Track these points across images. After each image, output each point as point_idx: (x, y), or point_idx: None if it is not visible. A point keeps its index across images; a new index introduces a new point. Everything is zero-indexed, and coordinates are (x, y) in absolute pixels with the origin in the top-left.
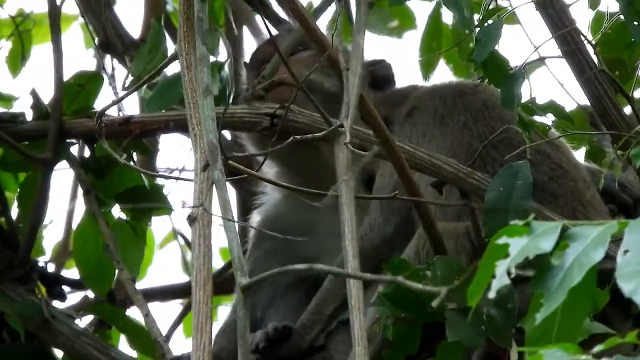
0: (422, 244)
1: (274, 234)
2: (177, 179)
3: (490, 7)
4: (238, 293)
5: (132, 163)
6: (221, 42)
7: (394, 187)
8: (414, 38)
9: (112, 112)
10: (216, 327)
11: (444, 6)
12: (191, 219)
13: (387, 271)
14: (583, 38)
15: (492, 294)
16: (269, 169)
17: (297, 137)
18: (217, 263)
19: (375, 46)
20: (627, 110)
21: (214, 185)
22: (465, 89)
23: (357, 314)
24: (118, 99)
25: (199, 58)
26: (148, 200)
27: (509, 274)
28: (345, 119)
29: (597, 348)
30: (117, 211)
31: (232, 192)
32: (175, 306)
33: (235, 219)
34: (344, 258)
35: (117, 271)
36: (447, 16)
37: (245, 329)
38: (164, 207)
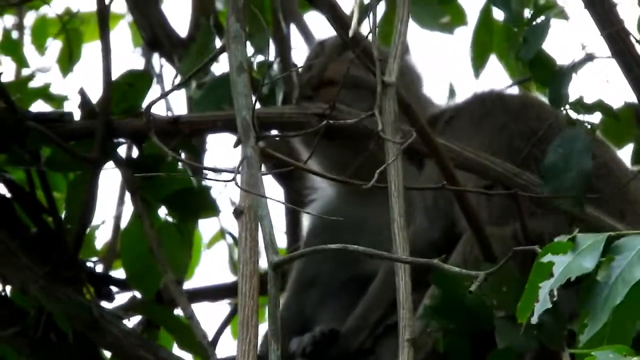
0: (469, 249)
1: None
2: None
3: (541, 1)
4: (270, 272)
5: (179, 164)
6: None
7: (433, 193)
8: (465, 34)
9: (161, 112)
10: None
11: None
12: (237, 213)
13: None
14: (631, 37)
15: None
16: (317, 169)
17: (330, 121)
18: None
19: (426, 42)
20: None
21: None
22: (504, 94)
23: (405, 299)
24: (165, 92)
25: (233, 35)
26: (195, 203)
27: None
28: (376, 109)
29: None
30: (163, 213)
31: (279, 191)
32: (224, 306)
33: (282, 216)
34: (394, 244)
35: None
36: (499, 12)
37: (275, 307)
38: (211, 209)
